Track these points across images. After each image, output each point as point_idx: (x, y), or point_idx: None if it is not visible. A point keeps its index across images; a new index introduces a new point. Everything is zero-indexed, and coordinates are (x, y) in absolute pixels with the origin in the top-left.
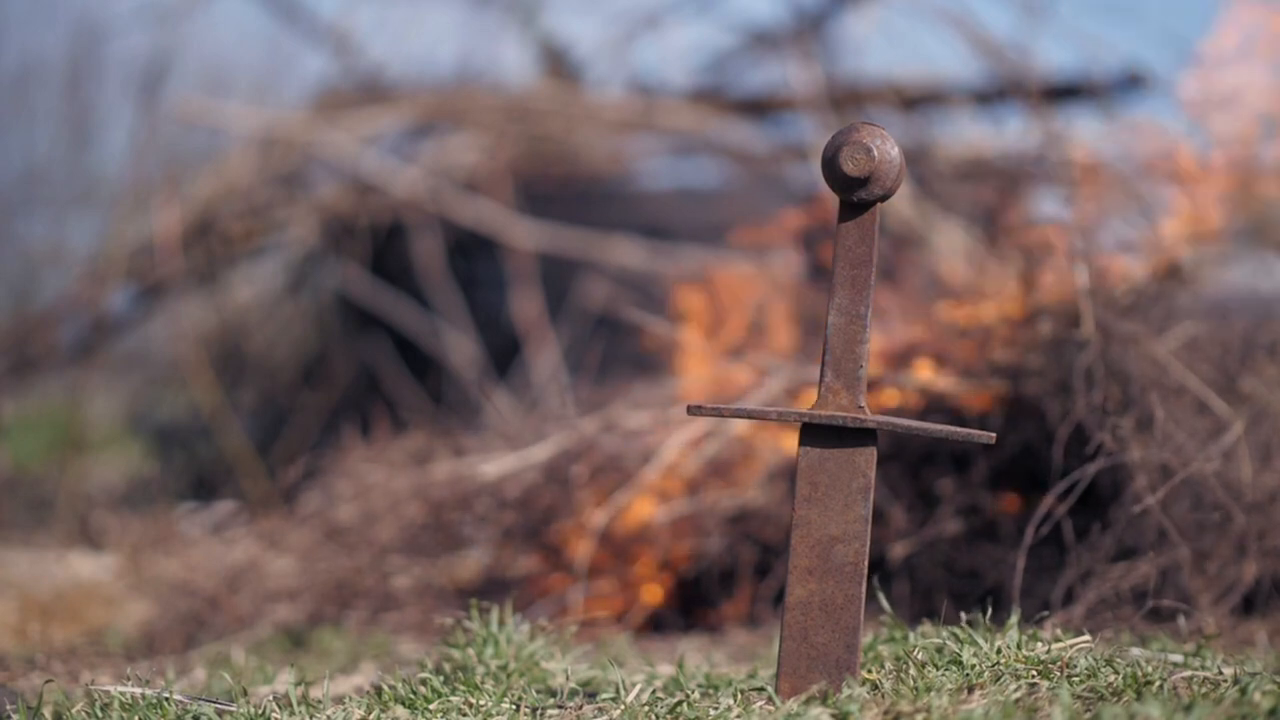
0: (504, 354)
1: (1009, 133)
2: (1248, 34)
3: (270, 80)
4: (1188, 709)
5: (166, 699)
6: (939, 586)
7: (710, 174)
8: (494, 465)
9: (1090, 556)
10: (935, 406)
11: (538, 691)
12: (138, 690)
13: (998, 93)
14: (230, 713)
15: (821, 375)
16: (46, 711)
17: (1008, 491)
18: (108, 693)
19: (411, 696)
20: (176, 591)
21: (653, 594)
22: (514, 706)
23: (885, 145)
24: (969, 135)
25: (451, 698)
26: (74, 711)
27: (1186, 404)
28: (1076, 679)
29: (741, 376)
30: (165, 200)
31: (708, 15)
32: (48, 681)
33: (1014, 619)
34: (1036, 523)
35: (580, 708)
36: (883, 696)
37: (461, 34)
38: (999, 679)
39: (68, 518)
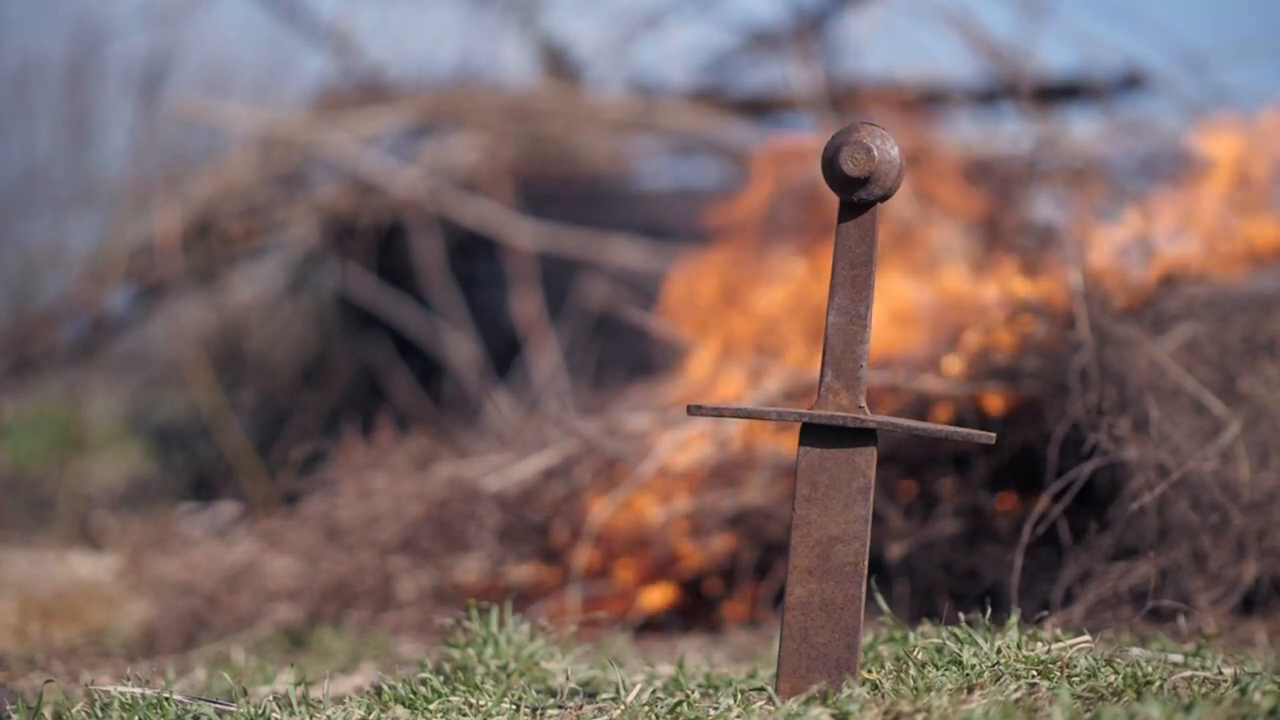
0: (504, 354)
1: (1008, 133)
2: None
3: (270, 80)
4: (1188, 709)
5: (166, 699)
6: (939, 587)
7: (710, 174)
8: (496, 478)
9: (1090, 556)
10: (935, 407)
11: (538, 691)
12: (138, 690)
13: (998, 93)
14: (230, 713)
15: (821, 375)
16: (46, 711)
17: (1007, 492)
18: (108, 693)
19: (411, 696)
20: (176, 591)
21: (653, 595)
22: (514, 706)
23: (885, 145)
24: (969, 135)
25: (451, 698)
26: (74, 711)
27: (1184, 404)
28: (1076, 679)
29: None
30: (165, 200)
31: (708, 15)
32: (48, 681)
33: (1014, 619)
34: (1033, 522)
35: (580, 708)
36: (883, 696)
37: (461, 34)
38: (999, 679)
39: (68, 518)
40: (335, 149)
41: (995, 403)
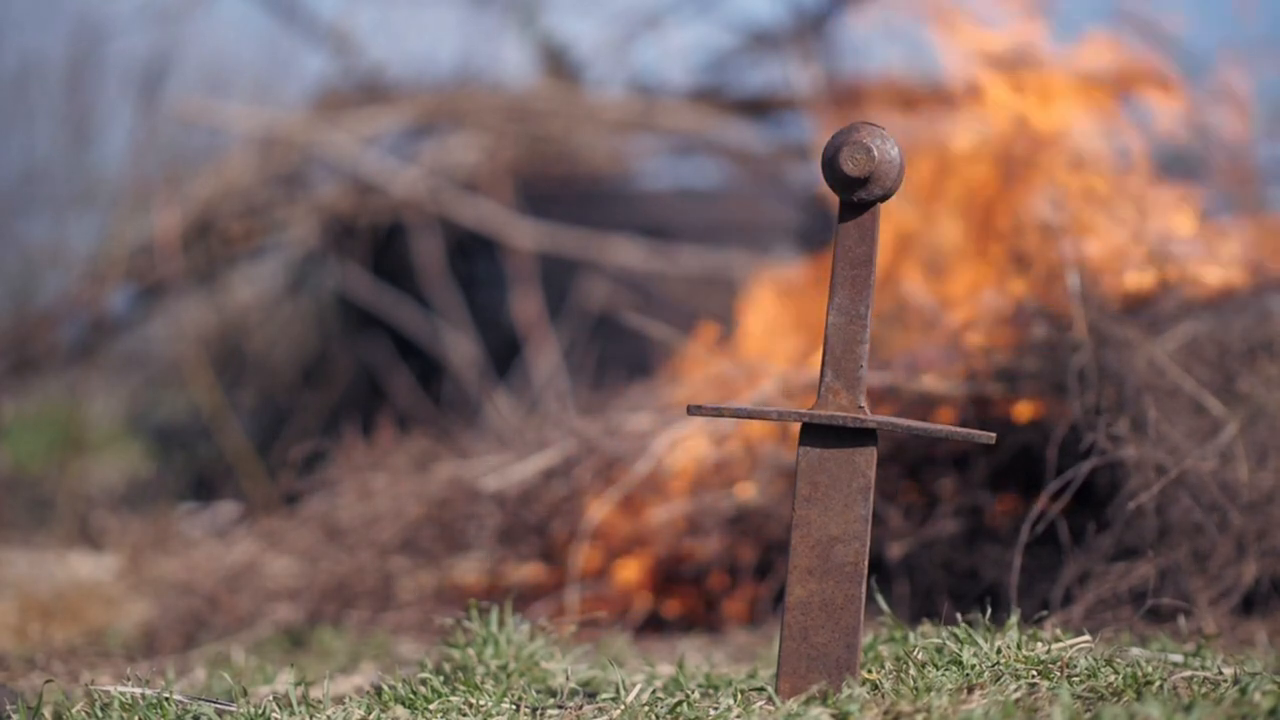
0: (504, 354)
1: (1006, 133)
2: None
3: (270, 80)
4: (1188, 709)
5: (166, 699)
6: (939, 587)
7: (710, 174)
8: (496, 479)
9: (1090, 557)
10: (934, 407)
11: (538, 691)
12: (138, 690)
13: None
14: (230, 713)
15: (821, 375)
16: (46, 711)
17: (1008, 492)
18: (108, 693)
19: (411, 696)
20: (176, 591)
21: (653, 594)
22: (514, 706)
23: (885, 145)
24: (967, 135)
25: (451, 698)
26: (74, 711)
27: (1182, 404)
28: (1076, 679)
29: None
30: (165, 200)
31: (708, 15)
32: (48, 681)
33: (1014, 619)
34: (1032, 522)
35: (580, 708)
36: (883, 696)
37: (461, 34)
38: (999, 679)
39: (68, 518)
40: (335, 149)
41: (1001, 404)
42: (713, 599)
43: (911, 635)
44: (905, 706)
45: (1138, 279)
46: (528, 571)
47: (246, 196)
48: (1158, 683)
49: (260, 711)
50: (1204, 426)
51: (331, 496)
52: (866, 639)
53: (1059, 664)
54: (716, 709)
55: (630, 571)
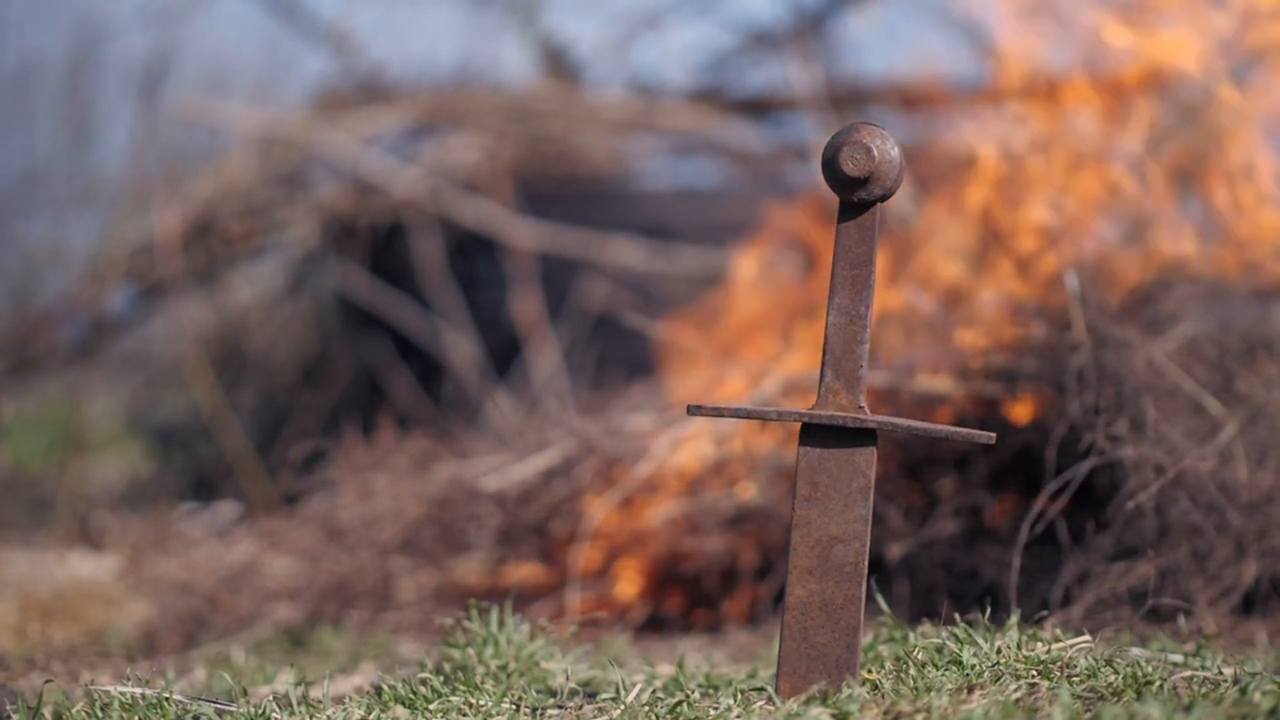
0: (504, 354)
1: (1005, 133)
2: None
3: (270, 80)
4: (1188, 709)
5: (166, 699)
6: (939, 587)
7: (710, 174)
8: (496, 479)
9: (1089, 557)
10: (934, 407)
11: (538, 691)
12: (138, 690)
13: (997, 92)
14: (230, 713)
15: (821, 375)
16: (46, 711)
17: (1008, 492)
18: (108, 693)
19: (411, 696)
20: (176, 591)
21: (653, 594)
22: (514, 706)
23: (885, 145)
24: (968, 135)
25: (451, 698)
26: (74, 711)
27: (1181, 404)
28: (1076, 679)
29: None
30: (165, 200)
31: (708, 15)
32: (48, 681)
33: (1014, 619)
34: (1031, 522)
35: (580, 708)
36: (883, 696)
37: (461, 34)
38: (999, 679)
39: (68, 518)
40: (335, 149)
41: (995, 403)
42: (713, 599)
43: (911, 635)
44: (905, 706)
45: (1137, 275)
46: (528, 571)
47: (246, 196)
48: (1158, 683)
49: (260, 711)
50: (1203, 426)
51: (331, 496)
52: (866, 639)
53: (1059, 664)
54: (716, 709)
55: (630, 572)
